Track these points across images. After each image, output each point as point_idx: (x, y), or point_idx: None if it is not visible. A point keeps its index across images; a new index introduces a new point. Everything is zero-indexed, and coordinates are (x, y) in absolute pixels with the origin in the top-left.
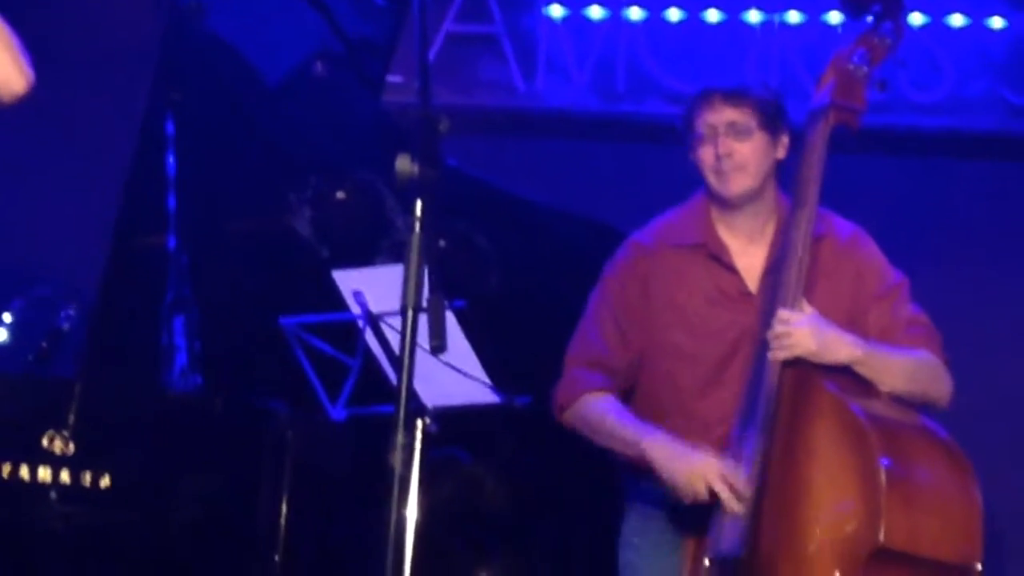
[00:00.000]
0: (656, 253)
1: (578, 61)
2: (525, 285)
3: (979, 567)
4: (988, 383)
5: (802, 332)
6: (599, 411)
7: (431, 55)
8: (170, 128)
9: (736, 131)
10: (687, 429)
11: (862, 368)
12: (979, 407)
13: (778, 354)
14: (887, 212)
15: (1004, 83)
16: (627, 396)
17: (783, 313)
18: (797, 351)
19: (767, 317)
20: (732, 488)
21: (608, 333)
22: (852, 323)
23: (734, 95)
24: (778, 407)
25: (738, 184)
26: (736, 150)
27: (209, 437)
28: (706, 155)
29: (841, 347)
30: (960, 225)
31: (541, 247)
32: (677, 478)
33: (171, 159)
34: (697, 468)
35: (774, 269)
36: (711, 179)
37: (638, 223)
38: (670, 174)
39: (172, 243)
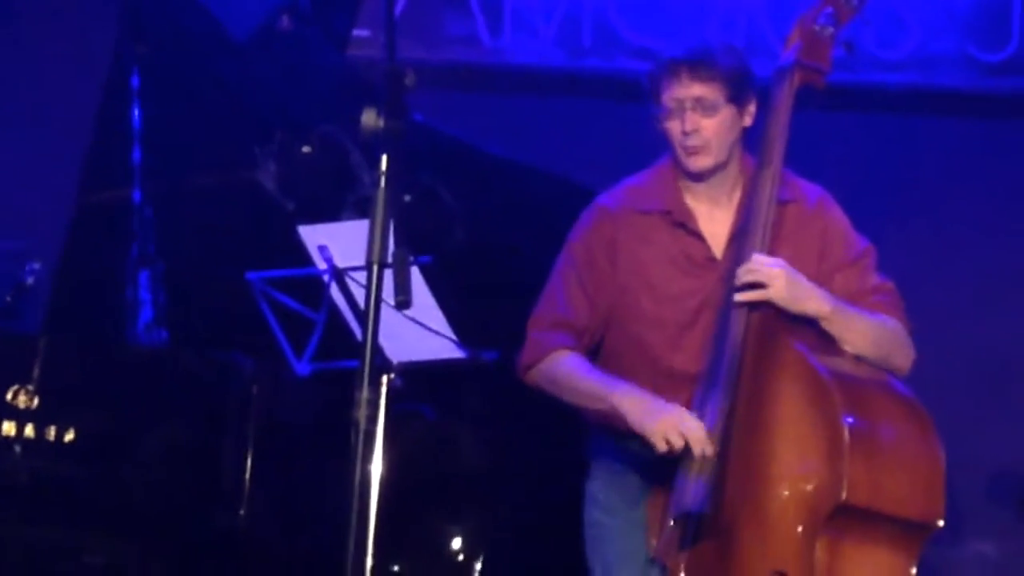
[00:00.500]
0: (622, 218)
1: (544, 16)
2: (490, 240)
3: (941, 524)
4: (953, 341)
5: (775, 273)
6: (566, 368)
7: (397, 10)
8: (135, 82)
9: (703, 107)
10: (656, 388)
11: (828, 324)
12: (943, 365)
13: (749, 294)
14: (853, 169)
15: (970, 40)
16: (592, 356)
17: (757, 256)
18: (768, 294)
19: (732, 278)
20: (702, 440)
21: (574, 296)
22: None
23: (701, 68)
24: (742, 364)
25: (703, 161)
26: (703, 126)
27: (174, 391)
28: (673, 129)
29: (810, 298)
30: (926, 182)
31: (506, 202)
32: (649, 429)
33: (136, 113)
34: (670, 419)
35: (740, 231)
36: (678, 154)
37: (604, 179)
38: (636, 130)
39: (137, 197)
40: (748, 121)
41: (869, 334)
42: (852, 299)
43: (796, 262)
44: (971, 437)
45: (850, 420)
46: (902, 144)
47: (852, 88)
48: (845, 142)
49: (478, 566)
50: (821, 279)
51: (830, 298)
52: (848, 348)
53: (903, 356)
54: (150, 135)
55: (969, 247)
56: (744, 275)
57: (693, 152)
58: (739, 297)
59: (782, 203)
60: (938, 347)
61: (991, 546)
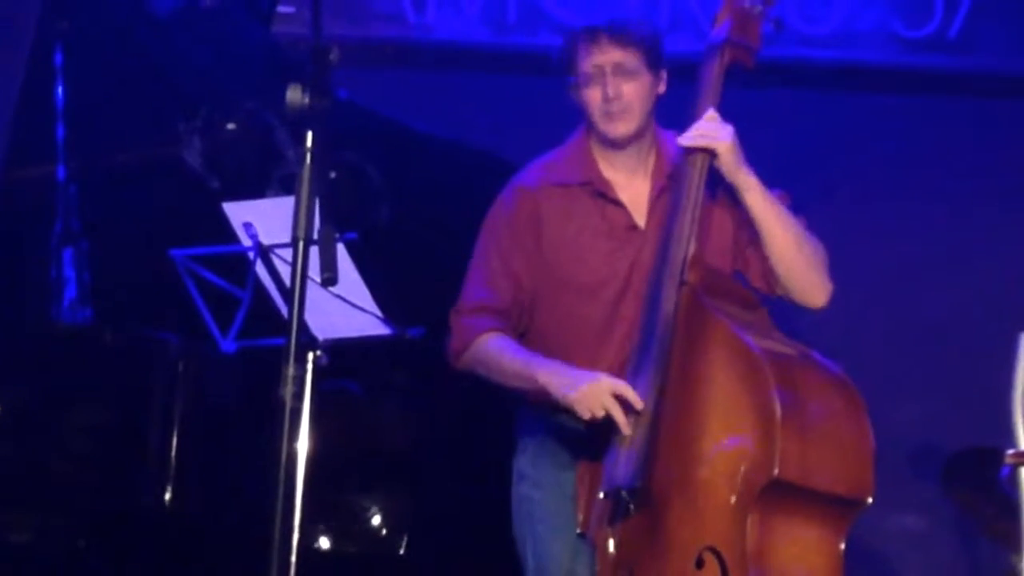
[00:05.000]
0: (542, 194)
1: None
2: (416, 216)
3: (870, 501)
4: (878, 314)
5: (724, 129)
6: (495, 350)
7: None
8: (59, 58)
9: (624, 72)
10: (589, 365)
11: (756, 204)
12: (866, 339)
13: (696, 139)
14: (776, 144)
15: (894, 17)
16: (520, 338)
17: (710, 114)
18: (713, 142)
19: (663, 251)
20: (625, 403)
21: (499, 278)
22: (735, 248)
23: (620, 35)
24: (673, 338)
25: (626, 126)
26: (625, 91)
27: (99, 369)
28: (593, 96)
29: (748, 169)
30: (850, 158)
31: (432, 178)
32: (571, 399)
33: (60, 89)
34: (589, 387)
35: (671, 207)
36: (598, 120)
37: (528, 154)
38: (560, 106)
39: (61, 174)
40: (662, 88)
41: (795, 233)
42: None
43: (714, 214)
44: (894, 409)
45: (782, 396)
46: (825, 120)
47: (776, 64)
48: (769, 117)
49: (405, 541)
50: (739, 224)
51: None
52: (772, 245)
53: (823, 275)
54: (74, 112)
55: (894, 222)
56: (698, 128)
57: (615, 118)
58: (684, 141)
59: None
60: (862, 320)
61: (914, 519)
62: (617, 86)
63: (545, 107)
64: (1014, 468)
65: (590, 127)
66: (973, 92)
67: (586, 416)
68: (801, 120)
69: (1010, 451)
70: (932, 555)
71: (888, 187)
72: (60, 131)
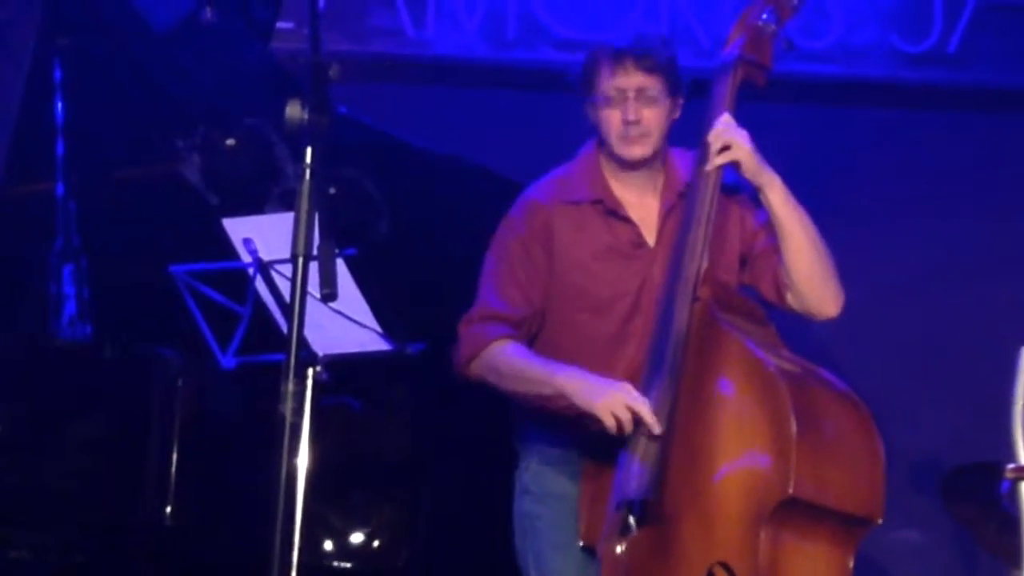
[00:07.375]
0: (554, 210)
1: (468, 8)
2: (416, 232)
3: (880, 521)
4: (877, 328)
5: (741, 135)
6: (508, 356)
7: (321, 2)
8: (58, 75)
9: (645, 98)
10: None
11: (776, 195)
12: (866, 352)
13: (717, 159)
14: (775, 159)
15: (893, 31)
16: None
17: (726, 117)
18: (736, 153)
19: (675, 266)
20: (649, 412)
21: (511, 290)
22: (743, 263)
23: (646, 59)
24: (686, 354)
25: (642, 150)
26: (645, 116)
27: (98, 385)
28: (613, 117)
29: (768, 169)
30: (849, 172)
31: (431, 194)
32: (596, 406)
33: (59, 106)
34: (616, 395)
35: (684, 223)
36: (615, 143)
37: (528, 170)
38: (560, 121)
39: (61, 190)
40: (677, 113)
41: (814, 235)
42: (774, 250)
43: (721, 229)
44: (893, 423)
45: (798, 413)
46: (824, 134)
47: (775, 78)
48: (767, 131)
49: (405, 555)
50: (744, 240)
51: None
52: (791, 246)
53: (837, 283)
54: (73, 128)
55: (893, 236)
56: (717, 137)
57: (633, 142)
58: (709, 166)
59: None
60: (862, 334)
61: (914, 533)
62: (638, 111)
63: (544, 122)
64: (1014, 483)
65: (602, 145)
66: (972, 106)
67: (610, 422)
68: (799, 134)
69: (1010, 466)
70: (932, 570)
71: (886, 201)
72: (60, 147)
